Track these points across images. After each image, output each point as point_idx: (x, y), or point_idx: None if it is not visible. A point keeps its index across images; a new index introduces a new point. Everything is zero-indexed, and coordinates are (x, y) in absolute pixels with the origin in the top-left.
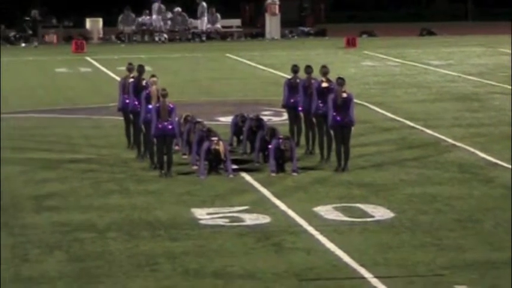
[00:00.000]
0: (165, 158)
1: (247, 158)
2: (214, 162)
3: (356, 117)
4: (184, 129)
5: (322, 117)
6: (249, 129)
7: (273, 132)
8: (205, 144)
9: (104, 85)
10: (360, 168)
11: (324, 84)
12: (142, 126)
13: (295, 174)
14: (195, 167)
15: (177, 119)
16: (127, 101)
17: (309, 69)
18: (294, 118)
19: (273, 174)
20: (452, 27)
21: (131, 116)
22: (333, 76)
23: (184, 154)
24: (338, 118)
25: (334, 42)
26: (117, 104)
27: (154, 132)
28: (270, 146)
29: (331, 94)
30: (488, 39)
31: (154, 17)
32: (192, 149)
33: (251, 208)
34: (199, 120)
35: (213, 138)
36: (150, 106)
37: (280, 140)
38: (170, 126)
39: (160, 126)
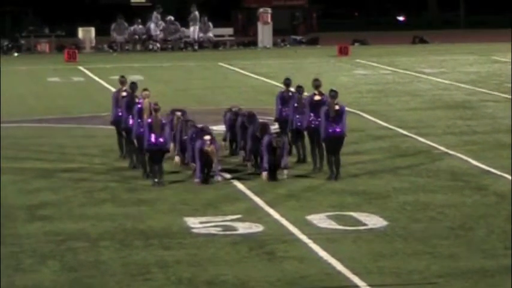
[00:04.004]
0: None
1: (239, 163)
2: (207, 166)
3: (349, 125)
4: (176, 129)
5: (315, 130)
6: (242, 125)
7: (264, 128)
8: (198, 143)
9: (97, 94)
10: (352, 176)
11: (317, 97)
12: (135, 141)
13: (286, 171)
14: (192, 165)
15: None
16: (120, 113)
17: (300, 89)
18: (286, 131)
19: (265, 173)
20: (445, 35)
21: (124, 133)
22: (325, 85)
23: (177, 155)
24: (330, 130)
25: (326, 51)
26: (110, 117)
27: (147, 147)
28: (262, 143)
29: (324, 107)
30: (480, 47)
31: (152, 25)
32: (182, 148)
33: (244, 217)
34: (189, 119)
35: (206, 138)
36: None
37: (272, 136)
38: (162, 140)
39: (153, 140)
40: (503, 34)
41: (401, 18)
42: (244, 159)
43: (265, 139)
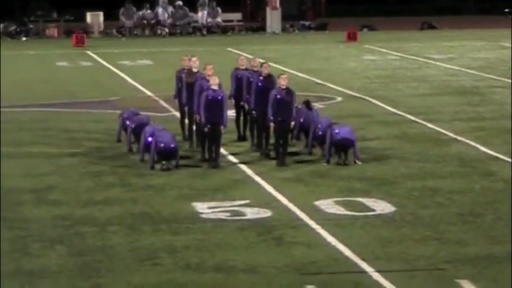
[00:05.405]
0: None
1: (245, 148)
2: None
3: (357, 111)
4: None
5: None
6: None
7: (271, 78)
8: (205, 93)
9: (105, 79)
10: (361, 161)
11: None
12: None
13: (293, 122)
14: (197, 117)
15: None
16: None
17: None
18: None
19: (272, 124)
20: (453, 21)
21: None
22: (333, 70)
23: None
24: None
25: (335, 36)
26: (116, 135)
27: (156, 151)
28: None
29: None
30: (488, 33)
31: (160, 10)
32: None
33: (252, 202)
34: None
35: (214, 87)
36: (149, 139)
37: (280, 89)
38: (173, 145)
39: (162, 145)
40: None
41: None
42: (252, 146)
43: (273, 92)
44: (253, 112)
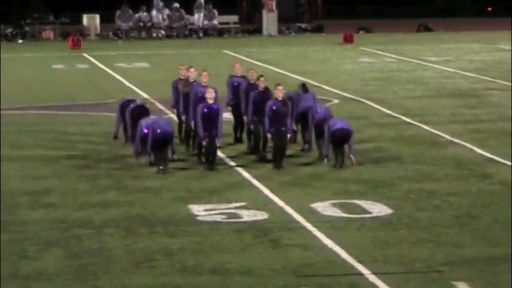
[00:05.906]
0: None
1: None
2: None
3: (353, 113)
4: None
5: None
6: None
7: (268, 92)
8: (201, 106)
9: (101, 81)
10: (357, 164)
11: None
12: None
13: (289, 134)
14: (192, 123)
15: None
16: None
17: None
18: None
19: (269, 135)
20: (450, 23)
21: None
22: (330, 73)
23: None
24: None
25: (331, 39)
26: (113, 131)
27: (153, 139)
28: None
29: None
30: (485, 36)
31: (154, 12)
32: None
33: (248, 204)
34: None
35: (209, 101)
36: (145, 130)
37: (277, 100)
38: (169, 130)
39: (158, 131)
40: (509, 22)
41: None
42: (248, 149)
43: (269, 103)
44: (251, 125)
